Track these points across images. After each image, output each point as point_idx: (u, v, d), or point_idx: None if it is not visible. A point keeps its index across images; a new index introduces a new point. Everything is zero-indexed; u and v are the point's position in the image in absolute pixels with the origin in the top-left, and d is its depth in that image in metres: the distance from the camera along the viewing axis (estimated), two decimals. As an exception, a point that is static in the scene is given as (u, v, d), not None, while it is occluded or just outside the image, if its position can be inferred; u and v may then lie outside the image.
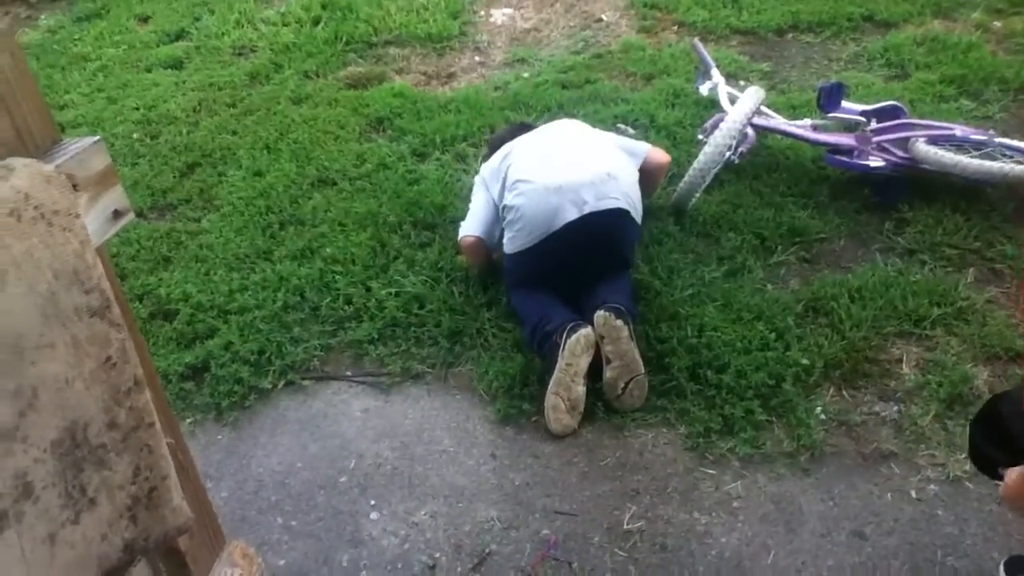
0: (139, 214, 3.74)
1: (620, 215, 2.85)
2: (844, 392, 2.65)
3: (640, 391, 2.65)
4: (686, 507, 2.36)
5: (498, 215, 3.02)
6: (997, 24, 4.68)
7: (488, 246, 3.11)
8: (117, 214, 1.24)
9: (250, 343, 2.98)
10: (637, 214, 2.93)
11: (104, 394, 1.08)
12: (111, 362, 1.11)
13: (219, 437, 2.73)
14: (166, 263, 3.47)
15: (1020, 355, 2.67)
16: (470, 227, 3.11)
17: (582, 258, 2.89)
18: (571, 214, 2.79)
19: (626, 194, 2.88)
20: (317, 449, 2.65)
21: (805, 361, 2.70)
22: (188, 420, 2.77)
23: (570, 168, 2.87)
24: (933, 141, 3.32)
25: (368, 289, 3.18)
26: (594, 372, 2.66)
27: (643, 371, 2.65)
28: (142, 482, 1.12)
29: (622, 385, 2.63)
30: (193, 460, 1.44)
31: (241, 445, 2.70)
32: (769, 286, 3.06)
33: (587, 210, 2.79)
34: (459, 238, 3.15)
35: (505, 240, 2.96)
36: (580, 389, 2.62)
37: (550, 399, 2.62)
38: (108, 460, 1.09)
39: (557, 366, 2.62)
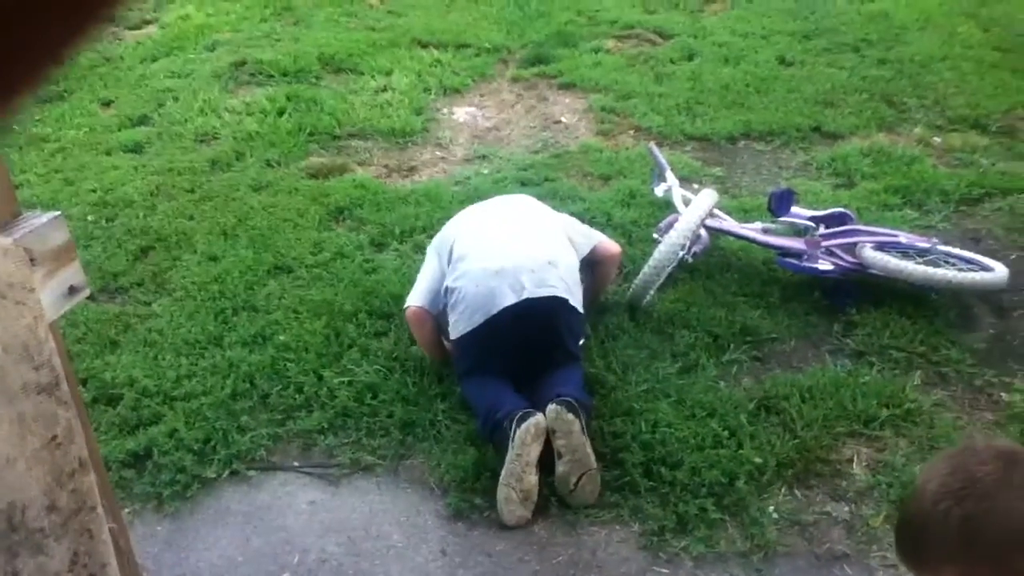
0: (89, 297, 3.67)
1: (558, 303, 2.88)
2: (796, 491, 2.66)
3: (593, 486, 2.63)
4: (639, 608, 2.31)
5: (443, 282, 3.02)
6: (937, 139, 4.92)
7: (435, 320, 3.09)
8: (73, 290, 1.22)
9: (195, 431, 2.90)
10: (577, 302, 2.96)
11: (47, 475, 1.05)
12: (56, 441, 1.07)
13: (158, 528, 2.63)
14: (113, 346, 3.40)
15: None
16: (414, 297, 3.12)
17: (524, 344, 2.90)
18: (509, 298, 2.82)
19: (564, 282, 2.91)
20: (260, 543, 2.56)
21: (758, 459, 2.71)
22: (127, 510, 2.66)
23: (511, 252, 2.91)
24: (880, 247, 3.44)
25: (320, 377, 3.13)
26: (548, 463, 2.63)
27: (595, 466, 2.63)
28: (80, 569, 1.07)
29: (574, 480, 2.60)
30: (132, 546, 1.38)
31: (181, 537, 2.59)
32: (722, 384, 3.09)
33: (525, 295, 2.82)
34: (404, 307, 3.14)
35: (450, 326, 2.96)
36: (532, 479, 2.59)
37: (502, 491, 2.58)
38: (46, 546, 1.04)
39: (508, 456, 2.60)
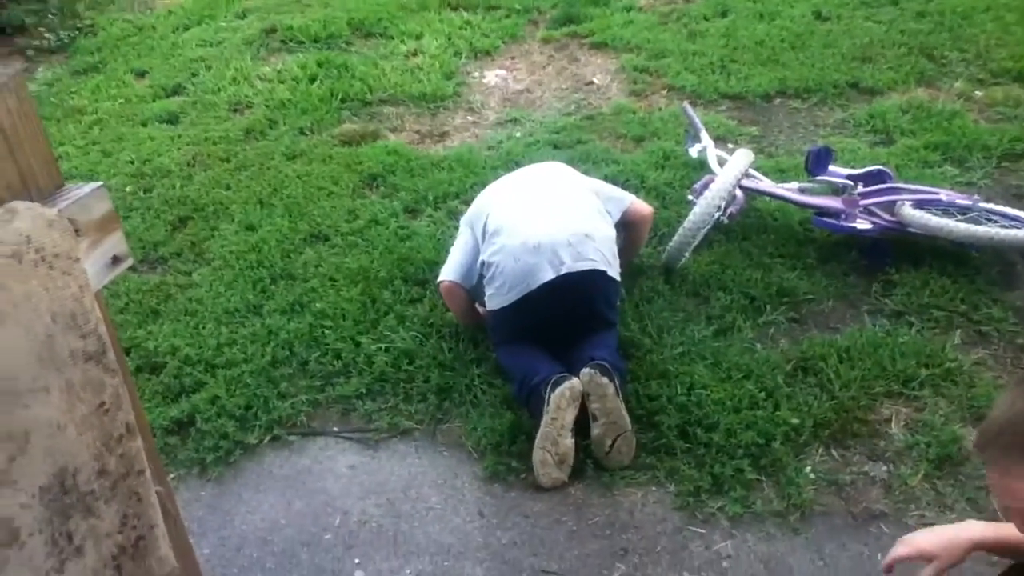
0: (130, 267, 3.74)
1: (597, 275, 2.87)
2: (833, 452, 2.65)
3: (628, 448, 2.64)
4: (675, 567, 2.33)
5: (476, 256, 3.03)
6: (979, 93, 4.80)
7: (468, 292, 3.10)
8: (116, 260, 1.25)
9: (237, 398, 2.96)
10: (614, 271, 2.95)
11: (96, 440, 1.07)
12: (104, 408, 1.10)
13: (202, 493, 2.69)
14: (155, 316, 3.46)
15: None
16: (447, 271, 3.12)
17: (562, 316, 2.90)
18: (548, 274, 2.81)
19: (602, 254, 2.90)
20: (302, 506, 2.62)
21: (795, 421, 2.70)
22: (171, 475, 2.74)
23: (548, 225, 2.89)
24: (919, 205, 3.37)
25: (357, 344, 3.17)
26: (583, 427, 2.65)
27: (630, 428, 2.64)
28: (129, 531, 1.11)
29: (609, 443, 2.62)
30: (179, 509, 1.42)
31: (224, 501, 2.66)
32: (758, 346, 3.07)
33: (564, 270, 2.81)
34: (438, 280, 3.16)
35: (487, 297, 2.97)
36: (568, 442, 2.61)
37: (538, 454, 2.60)
38: (96, 508, 1.07)
39: (543, 420, 2.62)
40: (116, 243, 1.22)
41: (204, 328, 3.33)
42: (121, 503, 1.12)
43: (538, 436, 2.62)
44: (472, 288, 3.10)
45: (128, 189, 4.47)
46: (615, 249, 3.03)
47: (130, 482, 1.14)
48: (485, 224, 3.03)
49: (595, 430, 2.63)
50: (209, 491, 2.70)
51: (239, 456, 2.81)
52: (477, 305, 3.17)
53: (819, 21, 5.94)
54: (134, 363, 3.17)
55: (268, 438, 2.86)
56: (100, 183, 1.18)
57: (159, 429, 2.87)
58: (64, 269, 1.03)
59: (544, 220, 2.93)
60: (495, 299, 2.93)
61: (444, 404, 2.94)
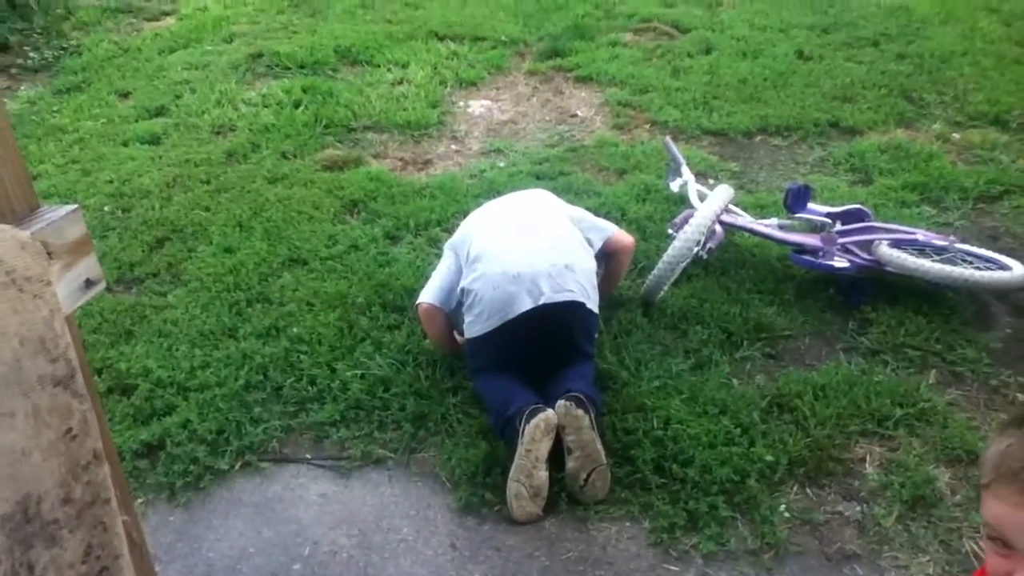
0: (105, 287, 3.70)
1: (575, 307, 2.87)
2: (808, 490, 2.65)
3: (603, 482, 2.63)
4: (649, 604, 2.31)
5: (459, 279, 3.02)
6: (956, 136, 4.88)
7: (447, 317, 3.09)
8: (89, 283, 1.23)
9: (208, 422, 2.92)
10: (593, 304, 2.95)
11: (61, 467, 1.06)
12: (71, 434, 1.08)
13: (171, 518, 2.65)
14: (128, 337, 3.42)
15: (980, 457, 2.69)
16: (427, 294, 3.11)
17: (540, 346, 2.90)
18: (526, 304, 2.81)
19: (582, 286, 2.91)
20: (271, 535, 2.58)
21: (770, 457, 2.70)
22: (140, 500, 2.69)
23: (529, 255, 2.90)
24: (896, 244, 3.41)
25: (333, 370, 3.15)
26: (559, 459, 2.64)
27: (605, 462, 2.63)
28: (93, 561, 1.09)
29: (584, 476, 2.60)
30: (145, 538, 1.40)
31: (193, 527, 2.61)
32: (735, 381, 3.08)
33: (543, 301, 2.82)
34: (416, 303, 3.14)
35: (465, 325, 2.96)
36: (542, 475, 2.59)
37: (512, 487, 2.58)
38: (60, 537, 1.05)
39: (517, 452, 2.60)
40: (89, 266, 1.21)
41: (178, 350, 3.30)
42: (86, 532, 1.10)
43: (512, 468, 2.61)
44: (451, 314, 3.09)
45: (106, 209, 4.44)
46: (595, 281, 3.03)
47: (96, 510, 1.12)
48: (468, 250, 3.03)
49: (570, 463, 2.62)
50: (178, 517, 2.66)
51: (209, 482, 2.77)
52: (455, 333, 3.16)
53: (801, 61, 6.04)
54: (105, 384, 3.13)
55: (239, 464, 2.83)
56: (75, 206, 1.17)
57: (128, 452, 2.83)
58: (35, 292, 1.02)
59: (525, 249, 2.94)
60: (473, 326, 2.92)
61: (419, 433, 2.92)
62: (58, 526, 1.05)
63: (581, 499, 2.63)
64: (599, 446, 2.63)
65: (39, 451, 1.03)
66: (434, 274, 3.19)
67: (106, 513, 1.15)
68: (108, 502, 1.15)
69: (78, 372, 1.10)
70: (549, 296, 2.82)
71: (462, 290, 2.97)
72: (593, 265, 3.07)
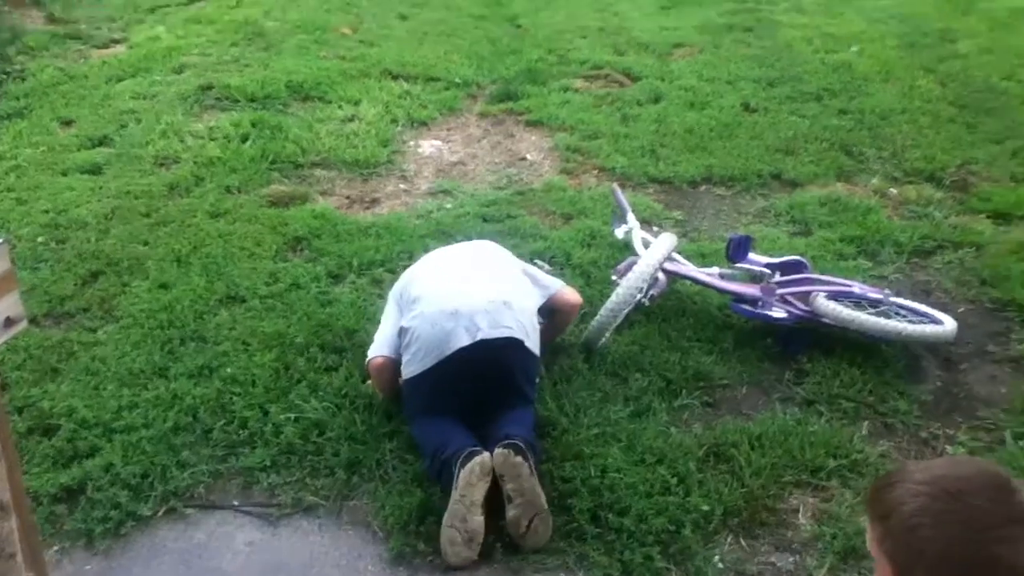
0: (33, 321, 3.58)
1: (513, 344, 2.86)
2: (742, 541, 2.64)
3: (544, 528, 2.59)
4: (579, 660, 2.27)
5: None
6: (893, 191, 5.00)
7: (396, 365, 3.05)
8: (9, 322, 1.19)
9: (133, 465, 2.83)
10: (532, 343, 2.94)
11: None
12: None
13: (87, 567, 2.54)
14: (54, 374, 3.31)
15: None
16: (378, 347, 3.09)
17: (477, 385, 2.88)
18: (463, 340, 2.80)
19: (520, 323, 2.90)
20: (194, 583, 2.49)
21: (705, 507, 2.70)
22: (55, 547, 2.58)
23: (467, 293, 2.90)
24: (833, 296, 3.46)
25: (266, 413, 3.07)
26: (497, 506, 2.59)
27: (546, 508, 2.60)
28: (-22, 624, 1.02)
29: (526, 523, 2.56)
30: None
31: (111, 576, 2.51)
32: (673, 429, 3.08)
33: (480, 336, 2.80)
34: (367, 360, 3.11)
35: (403, 365, 2.93)
36: (477, 519, 2.55)
37: (446, 532, 2.53)
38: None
39: (452, 496, 2.56)
40: (11, 304, 1.17)
41: (105, 389, 3.19)
42: (-29, 592, 1.04)
43: (446, 513, 2.56)
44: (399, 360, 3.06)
45: (40, 240, 4.32)
46: (535, 322, 3.03)
47: (-11, 568, 1.06)
48: (408, 293, 3.02)
49: (510, 511, 2.57)
50: (96, 565, 2.56)
51: (131, 528, 2.67)
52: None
53: (747, 113, 6.16)
54: (25, 424, 3.02)
55: (163, 510, 2.73)
56: (1, 239, 1.13)
57: (46, 497, 2.72)
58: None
59: (463, 287, 2.95)
60: (410, 366, 2.89)
61: (352, 479, 2.86)
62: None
63: (522, 546, 2.58)
64: (539, 492, 2.60)
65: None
66: (381, 327, 3.17)
67: (10, 569, 1.09)
68: (13, 557, 1.10)
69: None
70: (487, 332, 2.81)
71: (400, 329, 2.95)
72: (533, 305, 3.07)
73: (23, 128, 5.74)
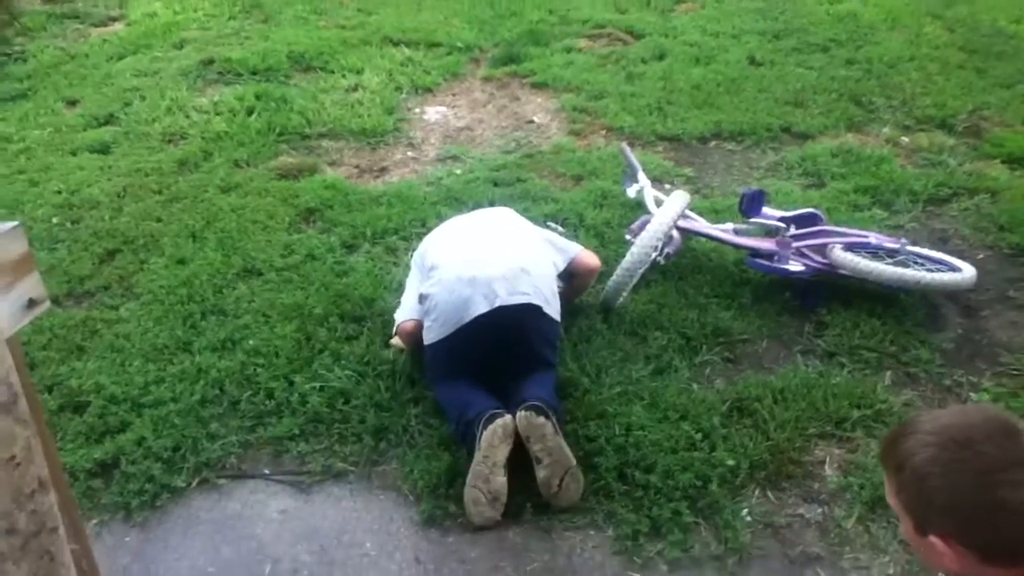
0: (54, 301, 3.60)
1: (531, 310, 2.87)
2: (769, 493, 2.66)
3: (576, 484, 2.61)
4: (614, 613, 2.30)
5: None
6: (905, 139, 4.97)
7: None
8: (32, 303, 1.19)
9: (164, 439, 2.86)
10: (552, 309, 2.95)
11: (4, 496, 1.01)
12: (14, 462, 1.04)
13: (127, 539, 2.58)
14: (80, 352, 3.34)
15: None
16: (407, 312, 3.13)
17: (498, 352, 2.89)
18: (482, 307, 2.81)
19: (538, 289, 2.91)
20: (230, 553, 2.52)
21: (731, 462, 2.72)
22: (94, 521, 2.62)
23: (485, 260, 2.91)
24: (849, 248, 3.46)
25: (291, 383, 3.10)
26: (524, 465, 2.61)
27: (575, 463, 2.62)
28: (40, 594, 1.05)
29: (557, 482, 2.58)
30: (97, 566, 1.35)
31: (150, 547, 2.55)
32: (695, 385, 3.09)
33: (498, 303, 2.81)
34: (397, 325, 3.16)
35: (424, 331, 2.95)
36: (500, 480, 2.57)
37: (469, 492, 2.56)
38: (4, 570, 1.01)
39: (475, 458, 2.59)
40: (32, 286, 1.17)
41: (131, 365, 3.22)
42: (32, 564, 1.06)
43: (470, 474, 2.59)
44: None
45: (55, 220, 4.33)
46: (554, 288, 3.03)
47: (42, 540, 1.08)
48: (427, 260, 3.04)
49: (540, 472, 2.59)
50: (134, 537, 2.59)
51: (166, 500, 2.70)
52: None
53: (753, 66, 6.10)
54: (56, 402, 3.05)
55: (196, 481, 2.77)
56: (16, 222, 1.13)
57: (82, 472, 2.75)
58: (-26, 316, 0.98)
59: (481, 254, 2.95)
60: (431, 332, 2.91)
61: (380, 445, 2.88)
62: (2, 558, 1.01)
63: (556, 504, 2.60)
64: (566, 449, 2.62)
65: (-19, 481, 0.99)
66: (406, 294, 3.22)
67: (53, 543, 1.10)
68: (55, 531, 1.11)
69: (21, 397, 1.05)
70: (504, 299, 2.82)
71: (420, 296, 2.97)
72: (552, 271, 3.08)
73: (29, 110, 5.72)
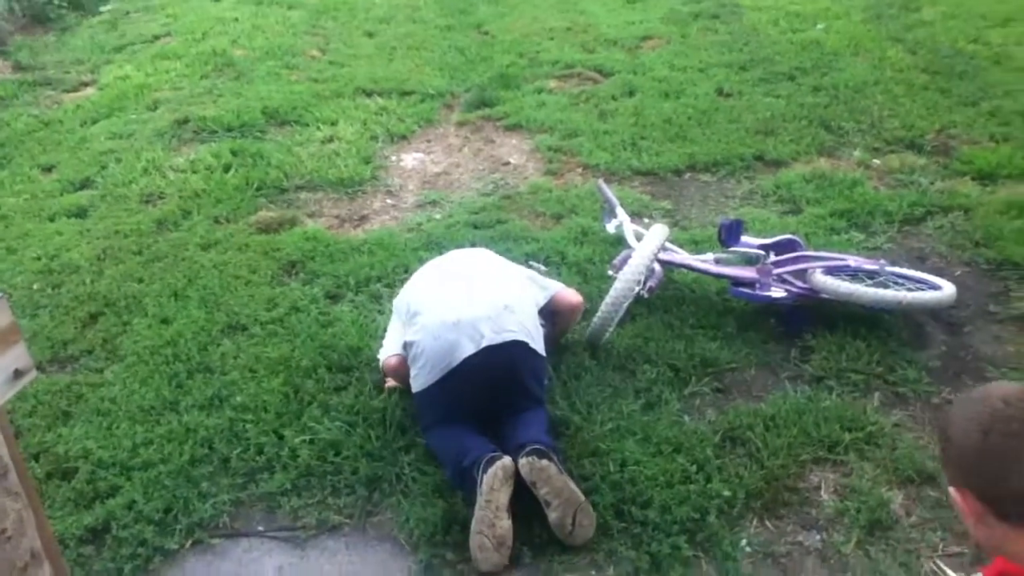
0: (38, 367, 3.53)
1: (519, 347, 2.88)
2: (767, 522, 2.66)
3: (589, 520, 2.58)
4: (620, 653, 2.28)
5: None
6: (876, 162, 5.05)
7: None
8: (18, 373, 1.18)
9: (155, 501, 2.82)
10: (537, 344, 2.95)
11: (-1, 573, 1.00)
12: (6, 535, 1.03)
13: (120, 606, 2.53)
14: (65, 418, 3.30)
15: (932, 478, 2.73)
16: (390, 348, 3.14)
17: (488, 393, 2.89)
18: (469, 349, 2.81)
19: (523, 325, 2.91)
20: (228, 613, 2.48)
21: (727, 492, 2.71)
22: (86, 589, 2.57)
23: (467, 302, 2.92)
24: (829, 271, 3.50)
25: (281, 437, 3.07)
26: (521, 508, 2.59)
27: (584, 499, 2.59)
28: (38, 670, 1.03)
29: (569, 521, 2.55)
30: (94, 638, 1.33)
31: (144, 614, 2.50)
32: (686, 417, 3.09)
33: (484, 343, 2.82)
34: (382, 363, 3.17)
35: (411, 379, 2.94)
36: (505, 524, 2.55)
37: (475, 539, 2.54)
38: (0, 647, 0.99)
39: (477, 503, 2.56)
40: (18, 356, 1.16)
41: (118, 428, 3.18)
42: (28, 639, 1.04)
43: (474, 520, 2.56)
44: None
45: (35, 287, 4.30)
46: (538, 324, 3.04)
47: (38, 615, 1.06)
48: (408, 307, 3.03)
49: (552, 515, 2.56)
50: (126, 604, 2.55)
51: (159, 563, 2.66)
52: None
53: (722, 98, 6.20)
54: (44, 469, 3.00)
55: (189, 542, 2.72)
56: (0, 294, 1.13)
57: (72, 539, 2.70)
58: (-37, 390, 0.97)
59: (462, 296, 2.96)
60: (419, 379, 2.90)
61: (374, 496, 2.86)
62: (-1, 636, 0.99)
63: (572, 544, 2.57)
64: (573, 486, 2.60)
65: (-25, 558, 0.98)
66: (388, 333, 3.24)
67: (50, 616, 1.09)
68: (51, 603, 1.10)
69: (11, 469, 1.05)
70: (491, 338, 2.82)
71: (405, 344, 2.97)
72: (534, 308, 3.09)
73: (4, 178, 5.70)
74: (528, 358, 2.92)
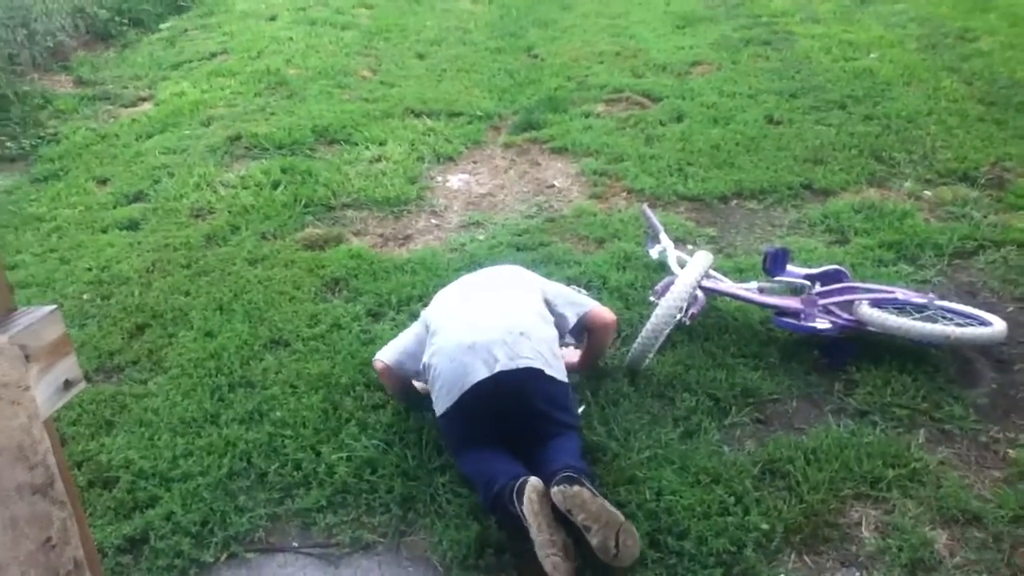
0: (84, 377, 3.64)
1: (532, 374, 2.86)
2: (806, 558, 2.61)
3: (633, 539, 2.53)
4: None
5: (422, 346, 3.10)
6: (928, 193, 4.97)
7: (401, 375, 3.21)
8: (68, 384, 1.21)
9: (192, 513, 2.85)
10: (555, 370, 2.93)
11: (39, 580, 1.02)
12: (51, 543, 1.05)
13: (155, 616, 2.56)
14: (109, 427, 3.36)
15: (978, 518, 2.66)
16: (385, 352, 3.24)
17: (506, 416, 2.87)
18: (482, 373, 2.82)
19: (539, 352, 2.90)
20: (260, 627, 2.50)
21: (765, 526, 2.67)
22: (123, 598, 2.61)
23: (485, 325, 2.93)
24: (876, 304, 3.44)
25: (318, 454, 3.10)
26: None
27: (624, 519, 2.54)
28: None
29: (612, 544, 2.50)
30: (128, 648, 1.34)
31: (178, 624, 2.53)
32: (725, 448, 3.05)
33: (498, 368, 2.82)
34: (373, 359, 3.30)
35: (433, 402, 2.97)
36: (562, 535, 2.52)
37: (546, 564, 2.47)
38: (37, 654, 1.01)
39: (530, 533, 2.52)
40: (68, 367, 1.19)
41: (159, 439, 3.24)
42: (64, 647, 1.06)
43: (536, 548, 2.50)
44: (413, 374, 3.20)
45: (85, 297, 4.40)
46: (556, 349, 3.03)
47: (75, 623, 1.08)
48: (428, 324, 3.11)
49: (594, 540, 2.50)
50: (161, 614, 2.58)
51: (195, 575, 2.69)
52: (414, 383, 3.29)
53: (771, 125, 6.16)
54: (85, 478, 3.06)
55: (225, 556, 2.75)
56: (53, 306, 1.16)
57: (111, 548, 2.75)
58: (12, 399, 0.99)
59: (479, 320, 2.97)
60: (439, 402, 2.93)
61: (408, 515, 2.86)
62: (36, 642, 1.01)
63: (618, 566, 2.51)
64: (610, 507, 2.54)
65: (17, 564, 1.00)
66: (401, 334, 3.31)
67: (86, 624, 1.10)
68: (88, 612, 1.11)
69: (57, 478, 1.07)
70: (504, 364, 2.82)
71: (424, 366, 3.01)
72: (553, 333, 3.08)
73: (60, 189, 5.87)
74: (542, 384, 2.89)
